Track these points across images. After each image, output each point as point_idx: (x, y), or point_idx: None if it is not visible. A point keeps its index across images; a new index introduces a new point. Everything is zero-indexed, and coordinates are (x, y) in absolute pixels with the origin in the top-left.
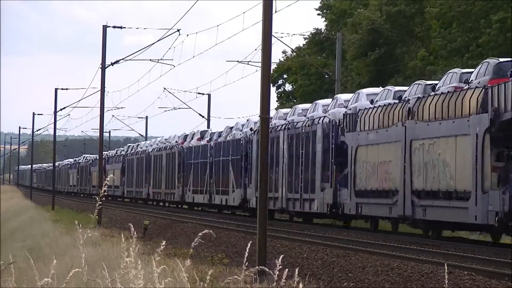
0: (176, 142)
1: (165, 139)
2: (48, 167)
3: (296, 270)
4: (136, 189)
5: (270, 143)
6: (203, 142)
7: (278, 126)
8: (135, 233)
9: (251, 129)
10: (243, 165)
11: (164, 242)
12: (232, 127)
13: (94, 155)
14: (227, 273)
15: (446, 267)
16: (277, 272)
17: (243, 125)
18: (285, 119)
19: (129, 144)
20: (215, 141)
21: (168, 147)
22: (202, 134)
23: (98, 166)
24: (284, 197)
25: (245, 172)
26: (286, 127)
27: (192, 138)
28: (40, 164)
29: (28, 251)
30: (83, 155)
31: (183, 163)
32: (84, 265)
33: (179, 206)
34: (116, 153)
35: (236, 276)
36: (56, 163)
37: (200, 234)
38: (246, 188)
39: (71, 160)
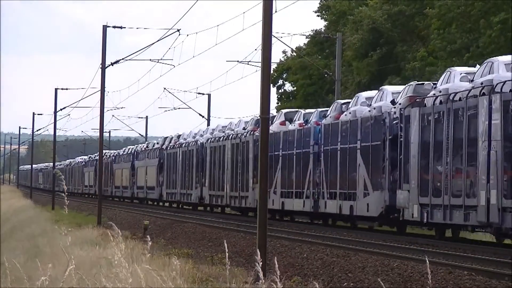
0: (244, 129)
1: (223, 127)
2: (57, 166)
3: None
4: (181, 191)
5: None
6: (293, 126)
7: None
8: (134, 232)
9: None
10: (389, 155)
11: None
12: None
13: (114, 151)
14: (227, 273)
15: (428, 262)
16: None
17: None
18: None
19: (165, 136)
20: (322, 123)
21: (233, 136)
22: (289, 116)
23: (122, 163)
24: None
25: (391, 166)
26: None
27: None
28: (47, 164)
29: (26, 251)
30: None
31: None
32: (76, 266)
33: (252, 214)
34: (147, 146)
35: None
36: (67, 161)
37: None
38: (390, 189)
39: (85, 157)
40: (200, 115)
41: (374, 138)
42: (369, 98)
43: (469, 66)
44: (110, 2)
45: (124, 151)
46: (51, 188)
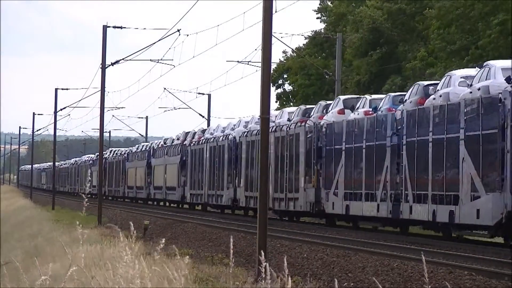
0: (289, 120)
1: (246, 122)
2: (61, 165)
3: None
4: (209, 192)
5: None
6: (356, 115)
7: None
8: (134, 232)
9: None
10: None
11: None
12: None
13: (125, 148)
14: (227, 273)
15: (424, 261)
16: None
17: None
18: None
19: (186, 131)
20: (403, 110)
21: (275, 128)
22: (349, 103)
23: (136, 161)
24: None
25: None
26: None
27: (323, 111)
28: (50, 163)
29: (26, 250)
30: (110, 149)
31: (318, 149)
32: (80, 265)
33: (308, 220)
34: (164, 143)
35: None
36: (72, 160)
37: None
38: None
39: (93, 155)
40: (200, 115)
41: (486, 125)
42: (468, 77)
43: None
44: (110, 2)
45: (138, 148)
46: (57, 189)
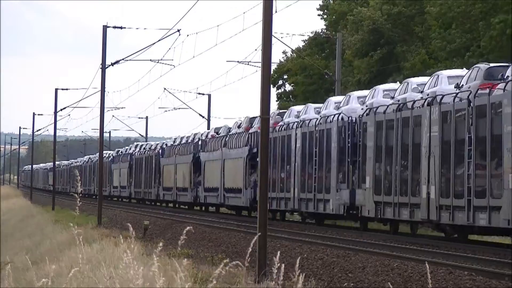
0: (399, 101)
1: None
2: (71, 164)
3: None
4: (302, 195)
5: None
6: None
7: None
8: (133, 232)
9: None
10: None
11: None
12: None
13: (158, 142)
14: (227, 273)
15: (427, 265)
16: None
17: None
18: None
19: (249, 116)
20: None
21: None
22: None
23: (177, 157)
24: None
25: None
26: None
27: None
28: (58, 162)
29: (26, 251)
30: (136, 143)
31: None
32: (80, 265)
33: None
34: (216, 133)
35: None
36: (85, 157)
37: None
38: None
39: (112, 152)
40: (200, 115)
41: None
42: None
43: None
44: (110, 2)
45: (175, 141)
46: (66, 190)
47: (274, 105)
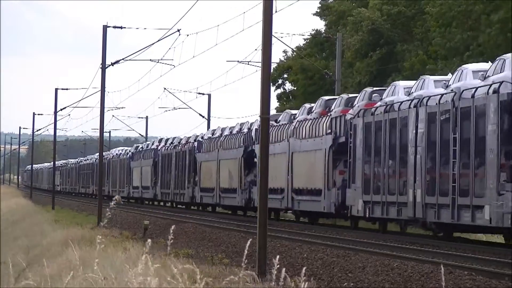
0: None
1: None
2: (80, 162)
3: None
4: (428, 200)
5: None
6: None
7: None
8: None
9: None
10: None
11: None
12: None
13: (192, 135)
14: (227, 273)
15: (443, 268)
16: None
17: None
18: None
19: (325, 98)
20: None
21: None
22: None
23: (219, 152)
24: None
25: None
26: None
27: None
28: (66, 161)
29: (26, 250)
30: (160, 137)
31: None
32: (80, 265)
33: None
34: (276, 120)
35: (232, 277)
36: (97, 154)
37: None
38: None
39: (129, 148)
40: (200, 115)
41: None
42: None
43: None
44: (110, 2)
45: (215, 133)
46: (75, 191)
47: (273, 106)
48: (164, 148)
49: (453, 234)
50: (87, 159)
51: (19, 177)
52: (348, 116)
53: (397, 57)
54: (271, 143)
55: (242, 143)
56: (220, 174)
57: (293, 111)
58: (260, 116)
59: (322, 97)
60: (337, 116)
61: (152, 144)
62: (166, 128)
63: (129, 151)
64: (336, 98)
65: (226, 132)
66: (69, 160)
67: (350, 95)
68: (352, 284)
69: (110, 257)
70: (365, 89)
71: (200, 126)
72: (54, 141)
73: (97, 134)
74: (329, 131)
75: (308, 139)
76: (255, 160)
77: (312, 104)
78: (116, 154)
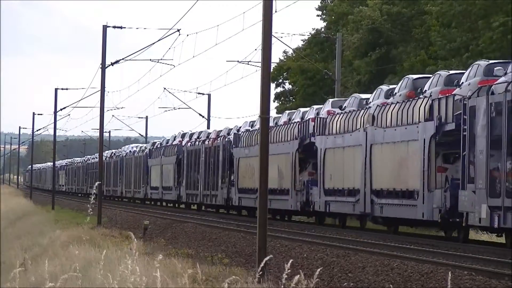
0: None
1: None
2: (88, 160)
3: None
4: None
5: None
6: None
7: None
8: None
9: None
10: None
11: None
12: None
13: (224, 128)
14: (227, 273)
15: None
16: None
17: None
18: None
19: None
20: None
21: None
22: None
23: (254, 148)
24: None
25: None
26: None
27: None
28: (69, 159)
29: (26, 250)
30: (181, 132)
31: None
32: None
33: None
34: (341, 107)
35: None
36: (108, 152)
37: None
38: None
39: (144, 145)
40: (200, 115)
41: None
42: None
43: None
44: (110, 2)
45: (255, 125)
46: (83, 191)
47: (273, 105)
48: (189, 143)
49: None
50: (95, 157)
51: (21, 177)
52: (457, 97)
53: (395, 59)
54: (339, 133)
55: (297, 134)
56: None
57: (362, 95)
58: (260, 116)
59: (407, 76)
60: (440, 97)
61: (174, 139)
62: (166, 128)
63: (145, 147)
64: (427, 77)
65: (270, 124)
66: (75, 158)
67: (451, 72)
68: (352, 284)
69: (109, 257)
70: (477, 62)
71: (200, 126)
72: (54, 141)
73: (97, 134)
74: (429, 116)
75: (396, 127)
76: (317, 155)
77: (392, 86)
78: (130, 151)
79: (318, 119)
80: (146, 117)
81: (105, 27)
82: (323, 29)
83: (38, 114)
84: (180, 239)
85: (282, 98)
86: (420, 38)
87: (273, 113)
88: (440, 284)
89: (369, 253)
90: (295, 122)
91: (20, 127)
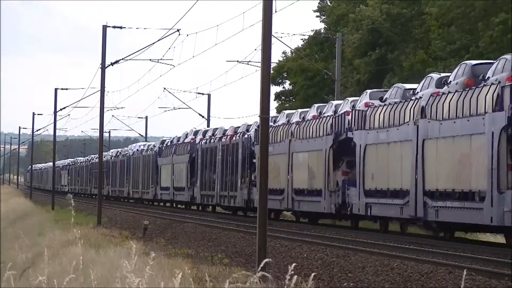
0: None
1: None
2: (92, 159)
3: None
4: None
5: None
6: None
7: None
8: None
9: None
10: None
11: None
12: None
13: (243, 124)
14: (227, 273)
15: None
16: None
17: None
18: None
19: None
20: None
21: None
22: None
23: (284, 144)
24: None
25: None
26: None
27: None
28: (72, 159)
29: (26, 250)
30: (196, 130)
31: None
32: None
33: None
34: (382, 99)
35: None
36: (113, 150)
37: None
38: None
39: (153, 143)
40: (200, 115)
41: None
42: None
43: None
44: (110, 2)
45: (278, 120)
46: (86, 191)
47: (273, 105)
48: (204, 141)
49: None
50: (104, 156)
51: (22, 177)
52: None
53: (395, 60)
54: (383, 127)
55: (330, 129)
56: (293, 171)
57: (406, 85)
58: (260, 116)
59: (464, 62)
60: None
61: (186, 137)
62: (166, 128)
63: (154, 146)
64: (489, 63)
65: (296, 118)
66: (78, 158)
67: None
68: (352, 284)
69: (109, 257)
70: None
71: (199, 126)
72: (54, 141)
73: (97, 134)
74: (498, 106)
75: (456, 119)
76: (355, 151)
77: (445, 74)
78: (137, 150)
79: (356, 112)
80: (146, 117)
81: (105, 27)
82: (322, 30)
83: (38, 114)
84: (180, 239)
85: (283, 98)
86: (420, 38)
87: (273, 113)
88: (440, 284)
89: (369, 253)
90: (327, 116)
91: (20, 127)
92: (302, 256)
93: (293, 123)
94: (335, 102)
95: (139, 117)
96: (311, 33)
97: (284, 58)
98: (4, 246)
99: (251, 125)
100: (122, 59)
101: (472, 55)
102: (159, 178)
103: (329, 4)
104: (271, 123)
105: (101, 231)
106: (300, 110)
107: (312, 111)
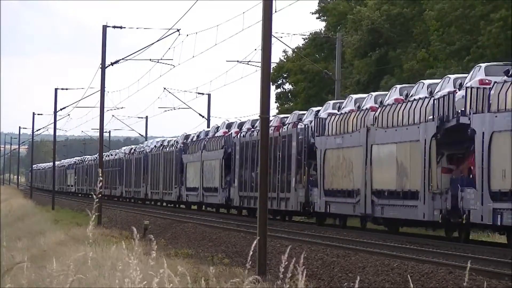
0: None
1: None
2: (106, 156)
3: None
4: None
5: None
6: None
7: None
8: (137, 235)
9: None
10: None
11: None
12: None
13: (294, 113)
14: (227, 273)
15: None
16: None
17: None
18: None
19: None
20: None
21: None
22: None
23: (350, 137)
24: None
25: None
26: None
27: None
28: (79, 157)
29: (26, 250)
30: (229, 122)
31: None
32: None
33: None
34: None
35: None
36: (125, 148)
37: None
38: None
39: (174, 139)
40: (200, 115)
41: None
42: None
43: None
44: (110, 2)
45: (343, 107)
46: (93, 191)
47: (273, 106)
48: (242, 134)
49: None
50: (112, 154)
51: (23, 177)
52: None
53: (395, 60)
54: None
55: (431, 114)
56: (373, 168)
57: None
58: (260, 116)
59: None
60: None
61: (217, 130)
62: (166, 128)
63: (176, 141)
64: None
65: (370, 104)
66: (85, 156)
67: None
68: (352, 284)
69: (109, 257)
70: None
71: (199, 126)
72: (54, 141)
73: (97, 134)
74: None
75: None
76: (475, 142)
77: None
78: (155, 146)
79: (470, 89)
80: (146, 117)
81: (105, 27)
82: (322, 30)
83: (38, 114)
84: (180, 239)
85: (283, 98)
86: (420, 38)
87: (273, 113)
88: (441, 284)
89: (369, 253)
90: (423, 98)
91: (20, 127)
92: (302, 256)
93: (367, 108)
94: (298, 112)
95: (139, 117)
96: (311, 34)
97: (285, 57)
98: (3, 246)
99: (303, 113)
100: (122, 59)
101: (473, 56)
102: (185, 178)
103: (328, 2)
104: (335, 111)
105: (101, 231)
106: (374, 94)
107: (393, 94)
